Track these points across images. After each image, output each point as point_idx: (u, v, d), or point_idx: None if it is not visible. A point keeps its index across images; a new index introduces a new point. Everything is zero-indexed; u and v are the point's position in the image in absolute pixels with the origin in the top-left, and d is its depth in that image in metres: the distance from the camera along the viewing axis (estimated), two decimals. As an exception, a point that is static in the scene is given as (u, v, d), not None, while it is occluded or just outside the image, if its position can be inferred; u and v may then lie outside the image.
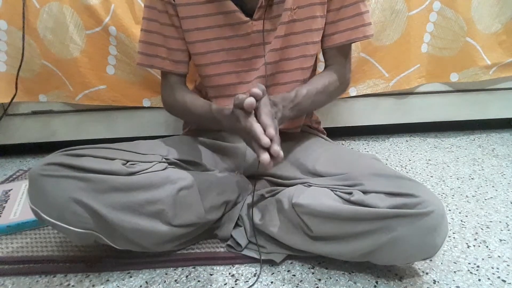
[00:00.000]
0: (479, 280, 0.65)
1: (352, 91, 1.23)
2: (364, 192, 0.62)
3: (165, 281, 0.67)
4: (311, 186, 0.68)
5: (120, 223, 0.63)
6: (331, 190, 0.66)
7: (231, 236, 0.74)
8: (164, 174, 0.69)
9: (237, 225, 0.77)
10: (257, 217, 0.74)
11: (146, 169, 0.68)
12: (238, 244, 0.73)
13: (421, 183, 0.64)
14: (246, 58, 0.80)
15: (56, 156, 0.64)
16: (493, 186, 0.98)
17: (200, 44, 0.80)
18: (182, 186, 0.69)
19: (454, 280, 0.65)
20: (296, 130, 0.88)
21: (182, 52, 0.82)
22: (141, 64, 0.84)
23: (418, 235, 0.58)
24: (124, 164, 0.68)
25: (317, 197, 0.64)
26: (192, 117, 0.82)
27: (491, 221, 0.82)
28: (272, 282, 0.66)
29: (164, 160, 0.73)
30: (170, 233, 0.68)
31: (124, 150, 0.71)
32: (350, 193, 0.63)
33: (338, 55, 0.83)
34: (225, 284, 0.66)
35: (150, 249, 0.69)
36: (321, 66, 1.01)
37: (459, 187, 0.99)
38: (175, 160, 0.75)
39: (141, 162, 0.70)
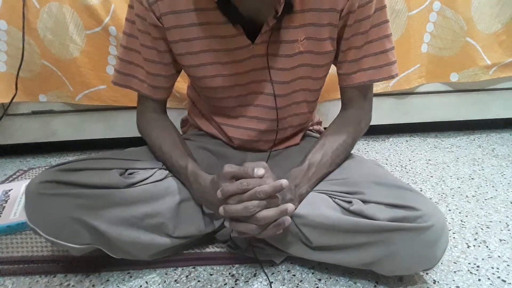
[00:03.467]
0: (479, 280, 0.65)
1: (352, 91, 1.22)
2: (364, 202, 0.61)
3: (165, 281, 0.67)
4: (311, 191, 0.67)
5: (120, 238, 0.63)
6: (330, 196, 0.64)
7: (231, 238, 0.74)
8: (163, 185, 0.68)
9: None
10: None
11: (146, 178, 0.67)
12: (238, 247, 0.72)
13: (423, 194, 0.63)
14: (245, 83, 0.73)
15: (51, 173, 0.62)
16: (493, 186, 0.98)
17: (194, 69, 0.72)
18: (182, 198, 0.69)
19: (454, 280, 0.65)
20: (296, 142, 0.86)
21: (163, 77, 0.75)
22: (116, 84, 0.77)
23: (418, 248, 0.58)
24: (122, 174, 0.67)
25: (316, 206, 0.63)
26: (162, 159, 0.73)
27: (491, 221, 0.82)
28: (272, 282, 0.66)
29: (164, 167, 0.73)
30: (169, 244, 0.68)
31: (122, 159, 0.70)
32: (349, 202, 0.62)
33: (357, 96, 0.74)
34: (225, 284, 0.66)
35: (148, 259, 0.69)
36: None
37: (459, 187, 0.99)
38: None
39: (141, 169, 0.69)
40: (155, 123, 0.78)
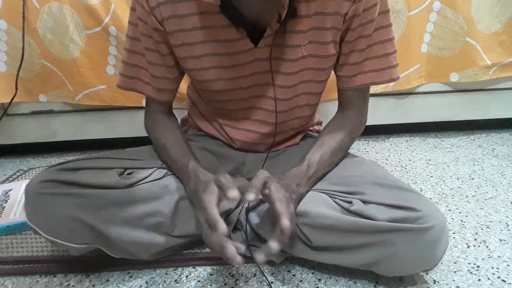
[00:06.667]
0: (479, 280, 0.65)
1: (352, 91, 1.23)
2: (364, 202, 0.61)
3: (165, 281, 0.67)
4: (310, 190, 0.67)
5: (119, 237, 0.63)
6: (330, 196, 0.64)
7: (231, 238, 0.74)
8: (162, 184, 0.68)
9: (236, 228, 0.76)
10: (255, 220, 0.73)
11: (145, 178, 0.67)
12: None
13: (423, 194, 0.63)
14: (247, 86, 0.73)
15: (51, 172, 0.62)
16: (493, 186, 0.98)
17: (196, 72, 0.72)
18: (181, 196, 0.69)
19: (454, 280, 0.65)
20: (296, 142, 0.86)
21: (167, 80, 0.75)
22: (121, 87, 0.77)
23: (418, 249, 0.57)
24: (122, 174, 0.67)
25: (316, 205, 0.63)
26: (164, 158, 0.74)
27: (491, 221, 0.82)
28: (272, 282, 0.66)
29: (163, 166, 0.73)
30: (169, 243, 0.68)
31: (121, 158, 0.70)
32: (349, 202, 0.62)
33: (356, 98, 0.75)
34: (225, 284, 0.66)
35: (148, 258, 0.68)
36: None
37: (459, 187, 0.99)
38: None
39: (140, 168, 0.69)
40: (160, 123, 0.79)
